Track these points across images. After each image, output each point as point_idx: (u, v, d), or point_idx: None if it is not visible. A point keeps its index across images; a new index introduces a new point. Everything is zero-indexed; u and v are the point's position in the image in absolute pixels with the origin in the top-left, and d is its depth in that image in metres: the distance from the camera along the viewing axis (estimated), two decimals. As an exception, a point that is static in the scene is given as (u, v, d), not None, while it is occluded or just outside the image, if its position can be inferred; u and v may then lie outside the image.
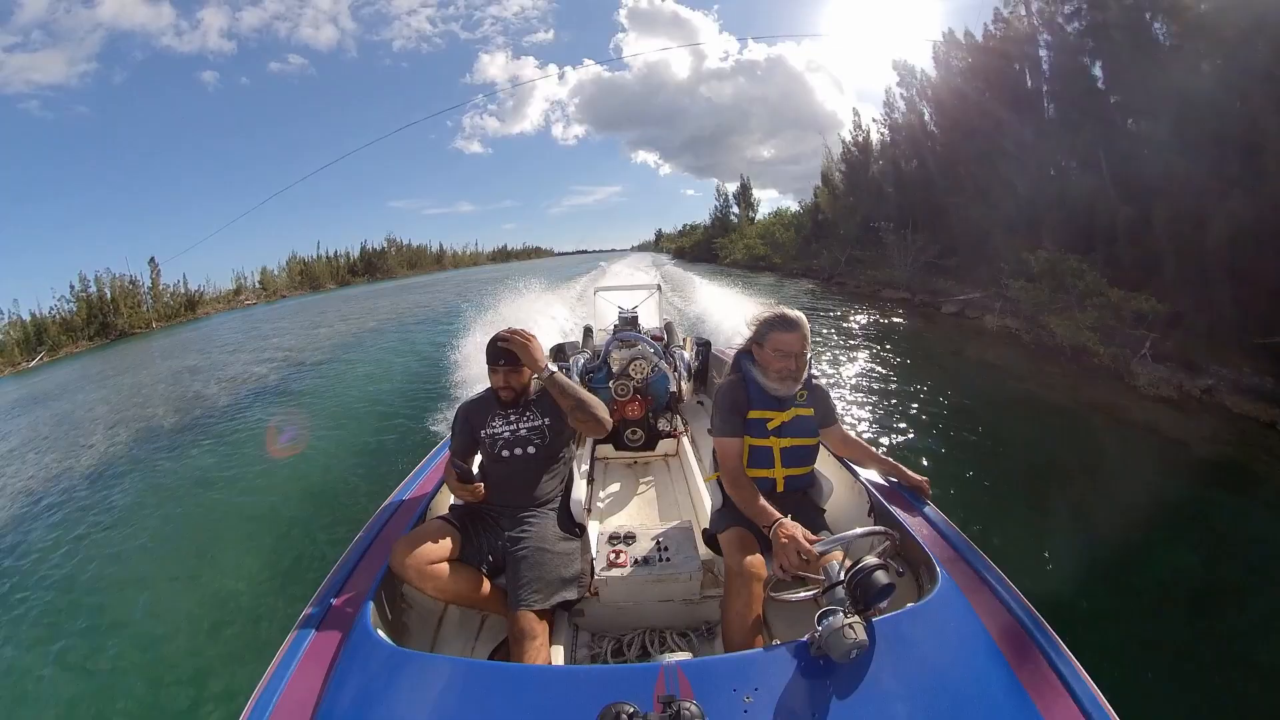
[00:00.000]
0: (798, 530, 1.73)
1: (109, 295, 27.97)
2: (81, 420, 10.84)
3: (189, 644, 3.51)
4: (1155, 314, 8.46)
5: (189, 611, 3.90)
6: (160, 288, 31.93)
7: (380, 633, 1.62)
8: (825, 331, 11.97)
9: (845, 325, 13.13)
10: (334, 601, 1.77)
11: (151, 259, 31.07)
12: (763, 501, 1.95)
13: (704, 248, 38.14)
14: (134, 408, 11.22)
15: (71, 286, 27.35)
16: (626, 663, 2.03)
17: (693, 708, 1.24)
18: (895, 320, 13.95)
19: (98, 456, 7.91)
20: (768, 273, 29.16)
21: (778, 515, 1.84)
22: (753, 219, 34.77)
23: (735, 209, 37.77)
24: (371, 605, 1.72)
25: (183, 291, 33.07)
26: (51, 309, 26.39)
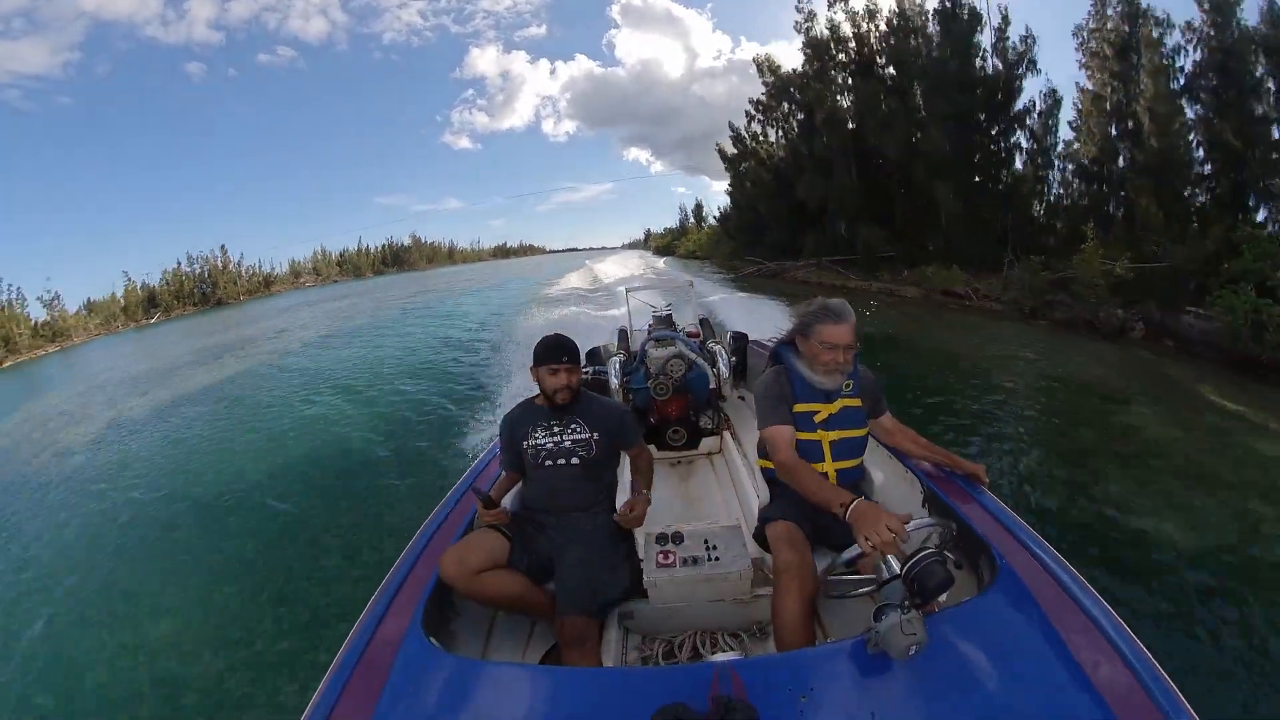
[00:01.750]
0: (876, 507, 1.63)
1: (206, 272, 36.51)
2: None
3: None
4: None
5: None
6: (244, 268, 40.59)
7: (432, 641, 1.64)
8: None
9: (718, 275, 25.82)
10: (386, 611, 1.80)
11: (222, 247, 39.02)
12: (824, 483, 1.87)
13: (669, 246, 55.12)
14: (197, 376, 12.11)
15: (178, 263, 36.12)
16: (679, 664, 2.01)
17: (748, 709, 1.22)
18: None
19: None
20: (698, 260, 39.83)
21: (853, 497, 1.72)
22: (702, 226, 48.70)
23: (692, 219, 53.62)
24: (423, 614, 1.74)
25: (260, 273, 41.98)
26: (161, 281, 34.74)
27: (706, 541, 2.22)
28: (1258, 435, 6.38)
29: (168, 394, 12.45)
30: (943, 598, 1.43)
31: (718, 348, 4.38)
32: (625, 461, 3.63)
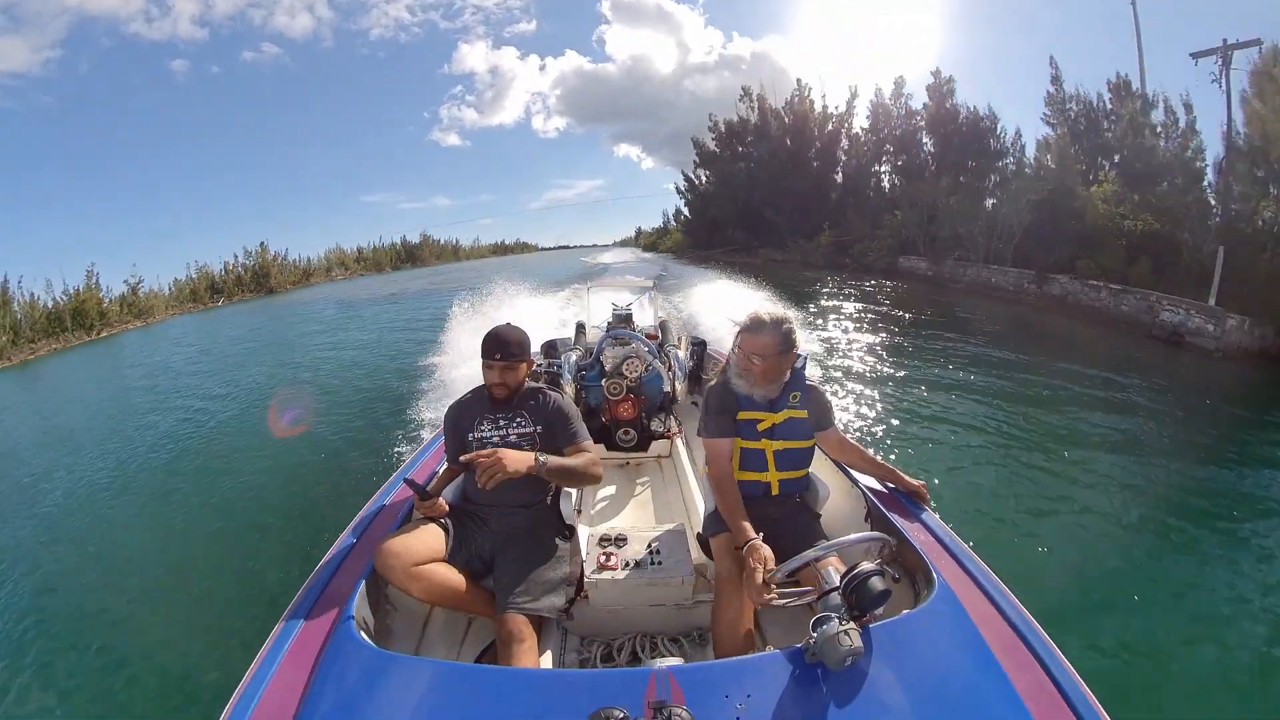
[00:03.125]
0: (764, 560, 1.71)
1: (257, 265, 43.79)
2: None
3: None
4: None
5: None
6: (288, 261, 48.03)
7: (363, 635, 1.58)
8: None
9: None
10: (316, 602, 1.73)
11: (262, 243, 45.08)
12: (742, 517, 1.93)
13: (654, 244, 64.34)
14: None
15: (235, 256, 42.91)
16: (617, 667, 1.99)
17: (684, 714, 1.21)
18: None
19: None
20: (671, 254, 47.96)
21: (751, 537, 1.81)
22: (679, 227, 56.52)
23: (673, 222, 61.56)
24: (355, 606, 1.68)
25: (300, 266, 49.54)
26: (221, 271, 41.57)
27: (650, 545, 2.21)
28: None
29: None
30: (880, 610, 1.45)
31: (675, 351, 4.39)
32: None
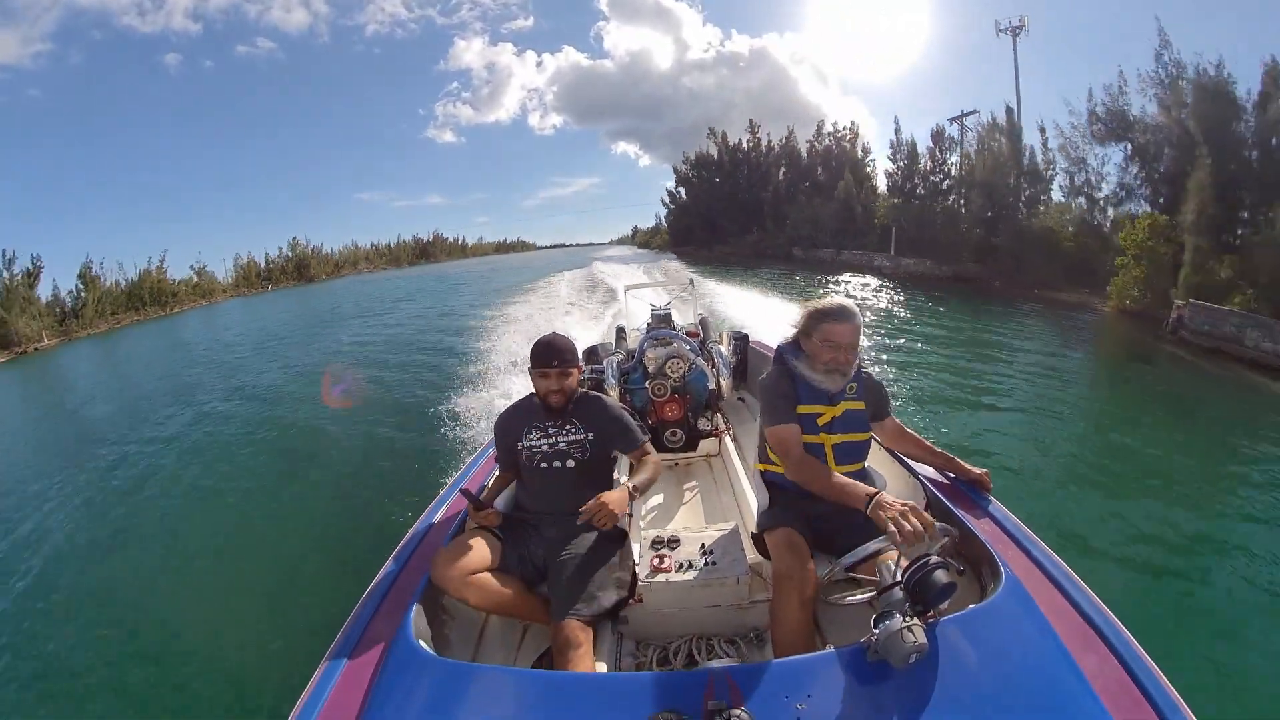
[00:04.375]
0: (897, 501, 1.63)
1: (299, 256, 53.86)
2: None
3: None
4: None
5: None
6: (322, 254, 57.55)
7: (422, 644, 1.60)
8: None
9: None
10: (375, 612, 1.77)
11: (294, 238, 54.49)
12: (842, 479, 1.84)
13: (648, 242, 73.47)
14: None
15: (280, 248, 52.97)
16: (673, 670, 1.97)
17: (743, 715, 1.19)
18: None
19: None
20: (659, 250, 59.16)
21: (871, 491, 1.72)
22: (666, 229, 65.57)
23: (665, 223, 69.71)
24: (413, 616, 1.71)
25: (331, 259, 58.49)
26: (269, 261, 51.77)
27: (703, 546, 2.18)
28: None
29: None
30: (944, 605, 1.39)
31: (717, 348, 4.34)
32: (618, 464, 3.58)
